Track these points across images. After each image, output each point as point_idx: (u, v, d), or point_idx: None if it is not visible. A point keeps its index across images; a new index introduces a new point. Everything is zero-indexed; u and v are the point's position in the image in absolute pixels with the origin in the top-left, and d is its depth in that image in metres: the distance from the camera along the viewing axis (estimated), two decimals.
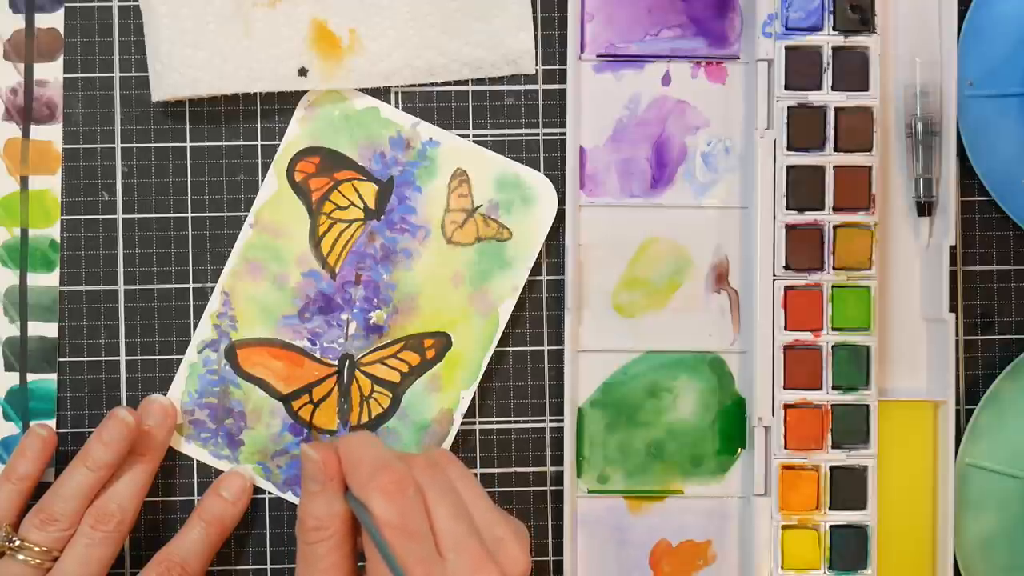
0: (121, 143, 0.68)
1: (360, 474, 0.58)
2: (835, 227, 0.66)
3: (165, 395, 0.68)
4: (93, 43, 0.68)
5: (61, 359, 0.68)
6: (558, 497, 0.69)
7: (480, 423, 0.69)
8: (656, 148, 0.69)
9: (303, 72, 0.67)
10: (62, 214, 0.68)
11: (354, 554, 0.60)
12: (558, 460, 0.69)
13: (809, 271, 0.67)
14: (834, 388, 0.67)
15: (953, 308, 0.69)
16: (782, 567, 0.66)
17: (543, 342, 0.69)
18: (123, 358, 0.68)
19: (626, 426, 0.68)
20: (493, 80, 0.69)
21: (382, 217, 0.68)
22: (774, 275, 0.67)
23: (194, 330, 0.68)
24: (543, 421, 0.69)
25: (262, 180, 0.68)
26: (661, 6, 0.68)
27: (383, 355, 0.68)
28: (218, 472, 0.68)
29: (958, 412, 0.69)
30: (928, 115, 0.68)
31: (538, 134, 0.69)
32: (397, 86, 0.68)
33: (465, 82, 0.69)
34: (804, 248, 0.67)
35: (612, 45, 0.68)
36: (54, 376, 0.68)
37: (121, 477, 0.65)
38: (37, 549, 0.62)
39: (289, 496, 0.68)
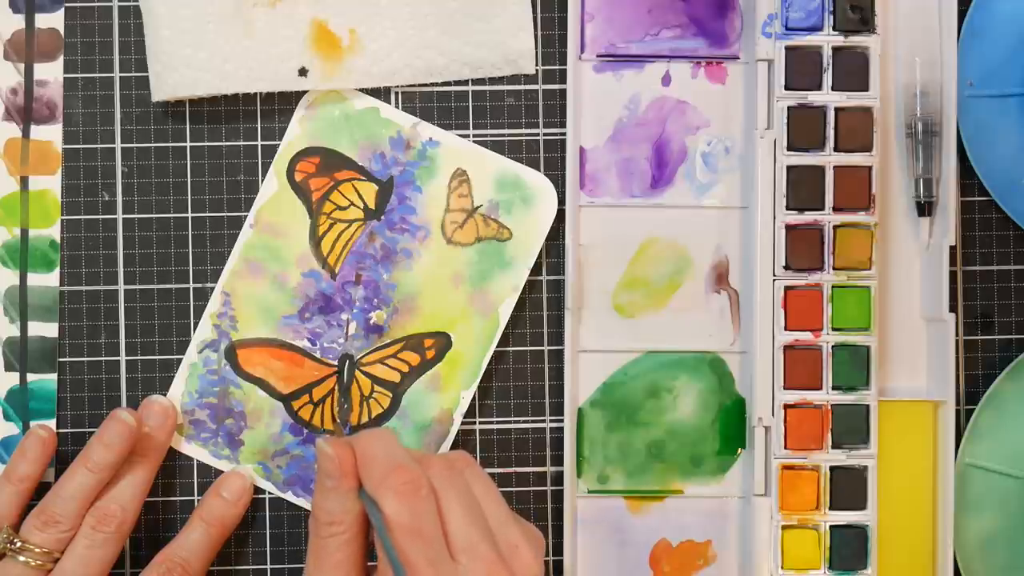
0: (121, 143, 0.68)
1: (374, 473, 0.58)
2: (835, 227, 0.66)
3: (165, 395, 0.68)
4: (93, 43, 0.68)
5: (61, 359, 0.68)
6: (558, 497, 0.69)
7: (480, 423, 0.69)
8: (656, 148, 0.69)
9: (303, 72, 0.67)
10: (62, 214, 0.68)
11: (365, 549, 0.60)
12: (558, 460, 0.69)
13: (809, 271, 0.67)
14: (834, 388, 0.67)
15: (953, 308, 0.69)
16: (782, 567, 0.67)
17: (543, 342, 0.69)
18: (123, 358, 0.68)
19: (626, 426, 0.68)
20: (493, 80, 0.69)
21: (382, 217, 0.68)
22: (774, 275, 0.67)
23: (194, 330, 0.68)
24: (543, 421, 0.69)
25: (262, 180, 0.68)
26: (661, 6, 0.68)
27: (383, 355, 0.68)
28: (218, 472, 0.68)
29: (958, 412, 0.69)
30: (928, 115, 0.68)
31: (538, 134, 0.69)
32: (397, 86, 0.68)
33: (465, 82, 0.69)
34: (804, 248, 0.67)
35: (612, 45, 0.68)
36: (54, 376, 0.68)
37: (122, 478, 0.65)
38: (38, 550, 0.62)
39: (289, 496, 0.68)
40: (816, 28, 0.67)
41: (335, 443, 0.59)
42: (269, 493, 0.68)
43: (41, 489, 0.65)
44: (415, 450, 0.66)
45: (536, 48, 0.69)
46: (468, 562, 0.56)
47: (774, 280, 0.67)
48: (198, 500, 0.68)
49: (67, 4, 0.68)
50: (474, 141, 0.68)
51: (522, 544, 0.58)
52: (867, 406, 0.67)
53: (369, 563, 0.61)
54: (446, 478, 0.58)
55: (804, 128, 0.66)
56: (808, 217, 0.66)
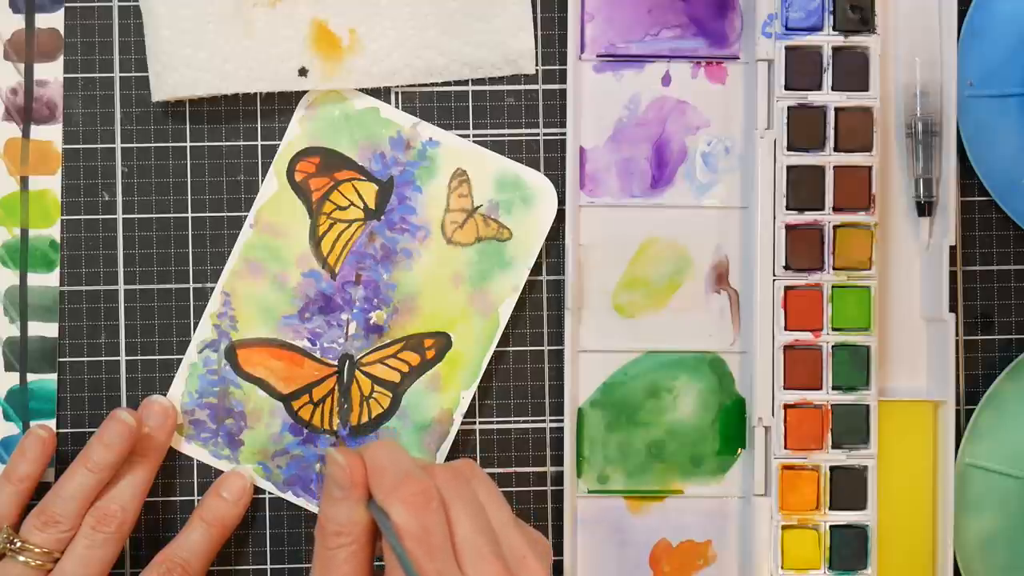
0: (121, 143, 0.68)
1: (384, 483, 0.57)
2: (835, 227, 0.66)
3: (165, 395, 0.68)
4: (93, 43, 0.68)
5: (61, 359, 0.68)
6: (558, 497, 0.69)
7: (480, 423, 0.69)
8: (656, 148, 0.69)
9: (303, 72, 0.67)
10: (62, 214, 0.68)
11: (371, 561, 0.60)
12: (558, 460, 0.69)
13: (809, 271, 0.67)
14: (834, 388, 0.67)
15: (953, 308, 0.69)
16: (782, 567, 0.67)
17: (543, 342, 0.69)
18: (123, 358, 0.68)
19: (626, 426, 0.68)
20: (493, 80, 0.69)
21: (382, 217, 0.68)
22: (774, 275, 0.67)
23: (194, 330, 0.68)
24: (543, 421, 0.69)
25: (262, 180, 0.68)
26: (661, 6, 0.68)
27: (383, 355, 0.68)
28: (218, 472, 0.68)
29: (958, 412, 0.69)
30: (928, 115, 0.68)
31: (538, 134, 0.69)
32: (397, 86, 0.68)
33: (465, 82, 0.69)
34: (804, 248, 0.67)
35: (612, 45, 0.68)
36: (54, 376, 0.68)
37: (122, 478, 0.65)
38: (38, 550, 0.62)
39: (289, 496, 0.68)
40: (816, 28, 0.67)
41: (345, 452, 0.59)
42: (269, 493, 0.68)
43: (41, 489, 0.65)
44: (421, 459, 0.66)
45: (536, 48, 0.69)
46: (475, 573, 0.56)
47: (774, 280, 0.67)
48: (198, 500, 0.68)
49: (67, 4, 0.68)
50: (474, 141, 0.68)
51: (528, 553, 0.58)
52: (867, 406, 0.67)
53: (377, 562, 0.60)
54: (453, 488, 0.58)
55: (804, 128, 0.66)
56: (808, 217, 0.67)
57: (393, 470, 0.58)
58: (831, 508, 0.67)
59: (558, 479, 0.69)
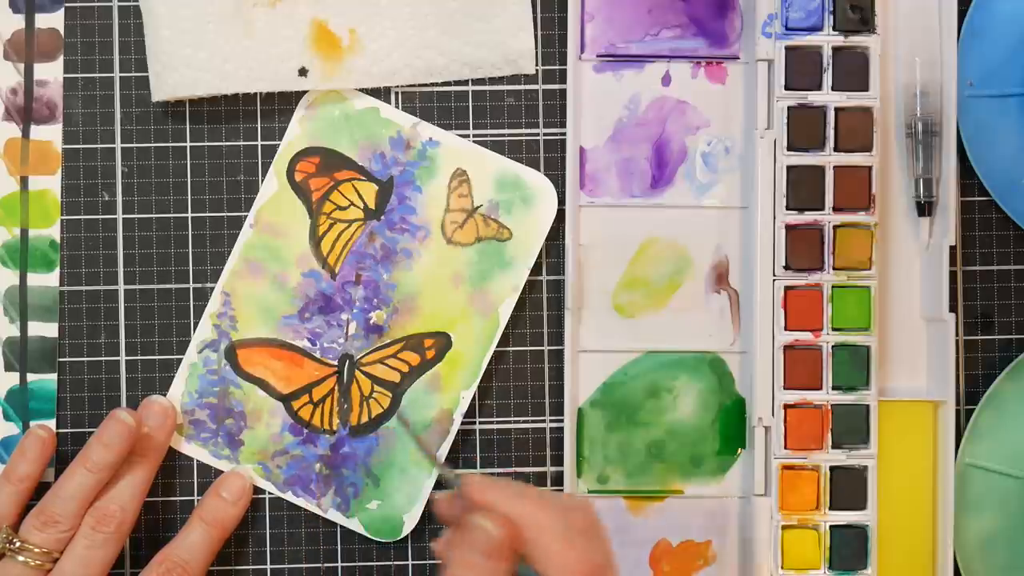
0: (121, 143, 0.68)
1: (549, 550, 0.54)
2: (835, 227, 0.66)
3: (165, 395, 0.68)
4: (93, 43, 0.68)
5: (61, 359, 0.68)
6: None
7: (480, 423, 0.69)
8: (656, 148, 0.69)
9: (303, 72, 0.67)
10: (62, 214, 0.68)
11: None
12: (558, 460, 0.69)
13: (809, 271, 0.67)
14: (834, 388, 0.67)
15: (953, 308, 0.69)
16: (782, 567, 0.66)
17: (543, 342, 0.69)
18: (123, 358, 0.68)
19: (626, 426, 0.68)
20: (493, 80, 0.69)
21: (382, 217, 0.68)
22: (774, 275, 0.67)
23: (194, 330, 0.68)
24: (543, 421, 0.69)
25: (262, 180, 0.68)
26: (661, 6, 0.68)
27: (383, 355, 0.68)
28: (218, 472, 0.68)
29: (958, 412, 0.69)
30: (928, 115, 0.68)
31: (538, 134, 0.69)
32: (397, 86, 0.68)
33: (465, 82, 0.69)
34: (804, 248, 0.67)
35: (612, 45, 0.68)
36: (54, 376, 0.68)
37: (121, 478, 0.65)
38: (37, 550, 0.62)
39: (289, 496, 0.68)
40: (816, 28, 0.67)
41: (495, 519, 0.54)
42: (269, 493, 0.68)
43: (41, 489, 0.65)
44: (542, 490, 0.61)
45: (536, 48, 0.69)
46: None
47: (774, 280, 0.67)
48: (198, 500, 0.68)
49: (67, 4, 0.68)
50: (474, 141, 0.68)
51: None
52: (867, 406, 0.67)
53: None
54: (598, 551, 0.55)
55: (804, 128, 0.66)
56: (808, 217, 0.66)
57: (554, 533, 0.54)
58: (831, 508, 0.67)
59: (558, 479, 0.69)
